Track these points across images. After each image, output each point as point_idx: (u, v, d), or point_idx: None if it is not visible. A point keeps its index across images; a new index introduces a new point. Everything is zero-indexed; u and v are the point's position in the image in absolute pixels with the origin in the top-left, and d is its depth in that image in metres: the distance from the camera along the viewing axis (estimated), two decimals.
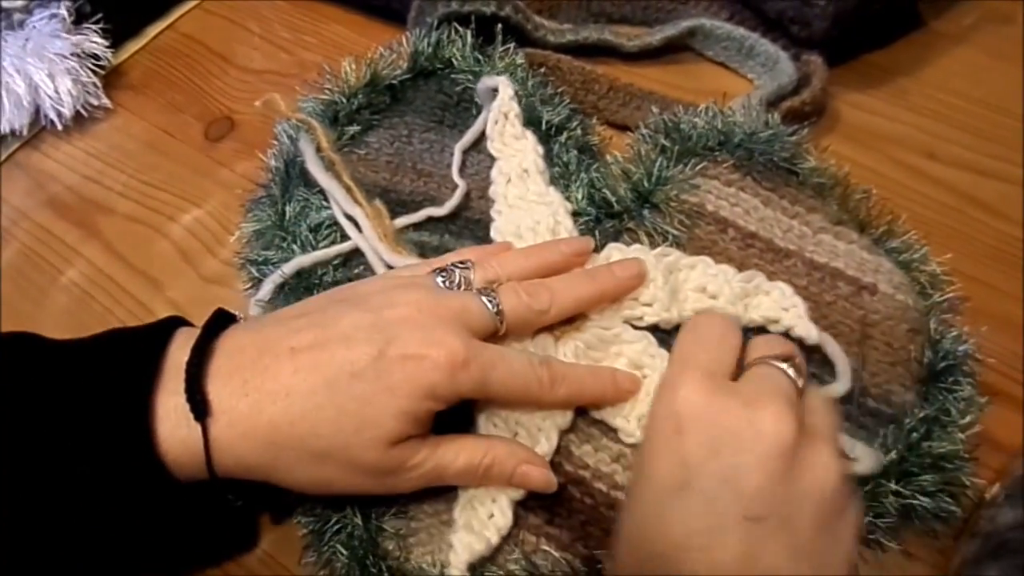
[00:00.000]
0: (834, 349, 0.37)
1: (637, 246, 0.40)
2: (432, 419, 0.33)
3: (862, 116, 0.50)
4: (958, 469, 0.35)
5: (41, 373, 0.32)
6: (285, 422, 0.31)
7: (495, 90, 0.45)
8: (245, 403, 0.31)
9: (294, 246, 0.42)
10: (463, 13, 0.49)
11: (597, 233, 0.42)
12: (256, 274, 0.42)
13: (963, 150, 0.48)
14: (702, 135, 0.43)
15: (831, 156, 0.44)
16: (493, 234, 0.42)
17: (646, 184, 0.42)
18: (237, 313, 0.36)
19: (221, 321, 0.34)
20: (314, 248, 0.42)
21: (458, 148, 0.45)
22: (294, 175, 0.45)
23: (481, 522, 0.34)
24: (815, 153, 0.43)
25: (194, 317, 0.37)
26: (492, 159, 0.45)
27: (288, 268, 0.41)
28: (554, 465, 0.36)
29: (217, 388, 0.31)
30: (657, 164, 0.42)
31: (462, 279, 0.36)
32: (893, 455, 0.35)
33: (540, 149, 0.44)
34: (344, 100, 0.47)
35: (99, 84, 0.53)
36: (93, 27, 0.53)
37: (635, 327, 0.38)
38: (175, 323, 0.34)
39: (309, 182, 0.44)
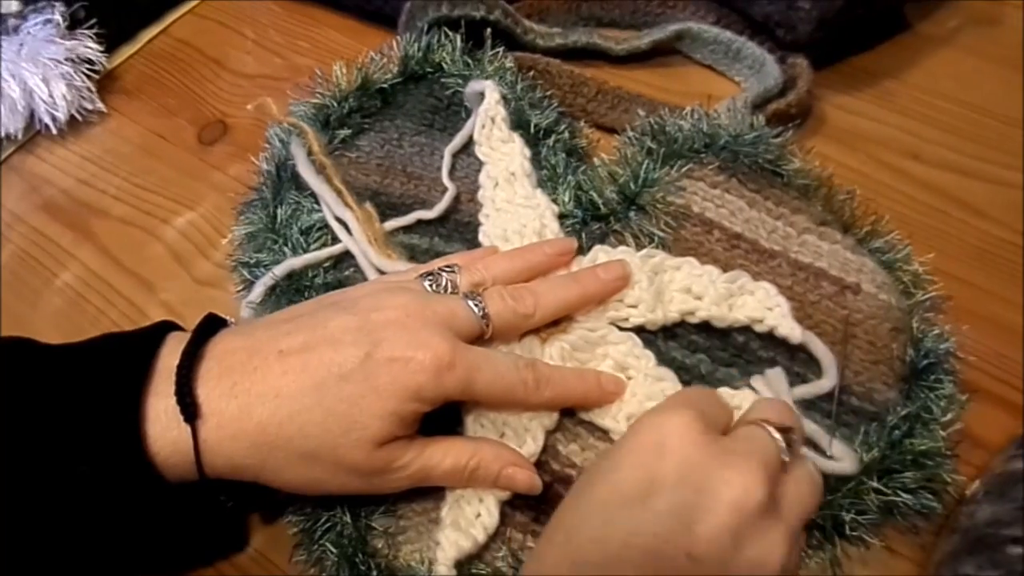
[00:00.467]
0: (818, 347, 0.38)
1: (623, 248, 0.41)
2: (419, 420, 0.33)
3: (847, 118, 0.51)
4: (939, 466, 0.36)
5: (33, 377, 0.32)
6: (273, 423, 0.31)
7: (482, 94, 0.46)
8: (234, 405, 0.31)
9: (285, 248, 0.43)
10: (453, 17, 0.49)
11: (584, 235, 0.42)
12: (248, 276, 0.43)
13: (947, 151, 0.49)
14: (688, 138, 0.44)
15: (816, 158, 0.45)
16: (481, 238, 0.43)
17: (632, 186, 0.43)
18: (229, 318, 0.36)
19: (212, 325, 0.35)
20: (305, 251, 0.43)
21: (448, 151, 0.46)
22: (285, 178, 0.46)
23: (468, 520, 0.34)
24: (799, 155, 0.44)
25: (187, 319, 0.38)
26: (481, 163, 0.45)
27: (279, 270, 0.41)
28: (541, 464, 0.36)
29: (207, 390, 0.32)
30: (643, 166, 0.43)
31: (448, 283, 0.36)
32: (875, 452, 0.36)
33: (527, 152, 0.44)
34: (335, 104, 0.47)
35: (93, 88, 0.53)
36: (87, 32, 0.53)
37: (621, 329, 0.39)
38: (166, 327, 0.35)
39: (300, 185, 0.45)
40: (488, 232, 0.42)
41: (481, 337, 0.35)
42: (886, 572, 0.36)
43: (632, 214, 0.42)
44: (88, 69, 0.53)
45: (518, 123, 0.46)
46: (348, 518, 0.36)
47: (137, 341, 0.34)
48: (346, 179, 0.44)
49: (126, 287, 0.47)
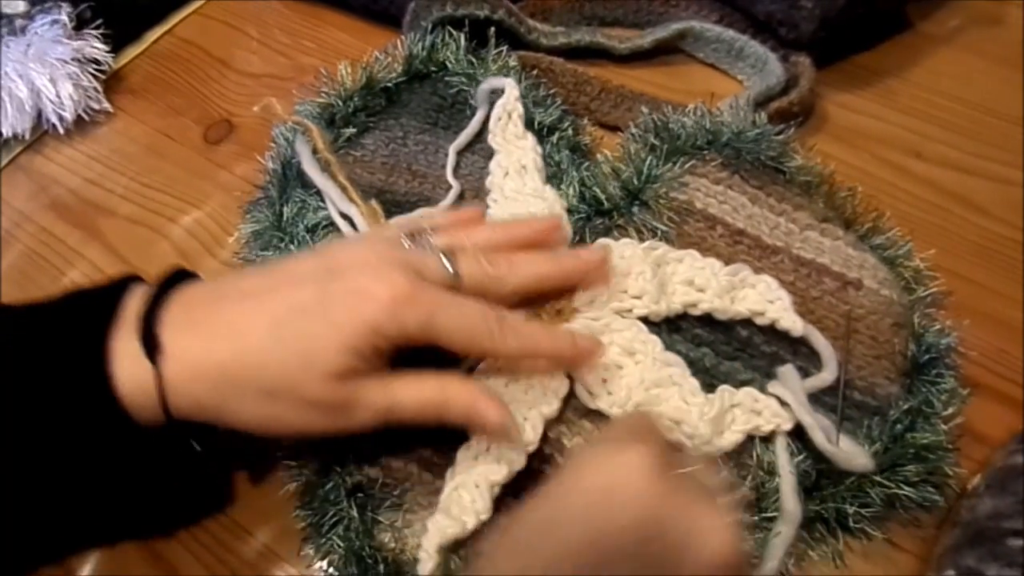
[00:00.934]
0: (818, 340, 0.38)
1: (626, 240, 0.41)
2: (383, 358, 0.33)
3: (849, 116, 0.51)
4: (941, 460, 0.36)
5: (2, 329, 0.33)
6: (233, 360, 0.31)
7: (494, 92, 0.46)
8: (196, 344, 0.32)
9: (291, 246, 0.43)
10: (457, 17, 0.50)
11: (587, 230, 0.43)
12: None
13: (949, 149, 0.49)
14: (691, 134, 0.44)
15: (818, 155, 0.45)
16: None
17: (636, 182, 0.43)
18: (200, 273, 0.37)
19: (179, 276, 0.35)
20: (311, 248, 0.43)
21: (452, 149, 0.46)
22: (291, 177, 0.46)
23: (461, 507, 0.35)
24: (801, 152, 0.44)
25: None
26: (486, 160, 0.46)
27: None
28: (546, 457, 0.37)
29: (170, 331, 0.32)
30: (647, 163, 0.43)
31: (426, 243, 0.36)
32: (878, 446, 0.36)
33: (540, 150, 0.45)
34: (340, 103, 0.48)
35: (100, 89, 0.53)
36: (94, 33, 0.53)
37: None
38: (131, 279, 0.35)
39: (306, 183, 0.45)
40: (495, 218, 0.42)
41: (453, 287, 0.34)
42: (888, 565, 0.36)
43: (635, 209, 0.43)
44: (95, 69, 0.53)
45: (525, 124, 0.46)
46: (355, 512, 0.36)
47: (100, 291, 0.34)
48: (351, 177, 0.44)
49: None
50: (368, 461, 0.38)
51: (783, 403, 0.37)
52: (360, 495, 0.37)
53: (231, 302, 0.33)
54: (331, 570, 0.36)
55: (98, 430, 0.31)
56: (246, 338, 0.32)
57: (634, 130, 0.46)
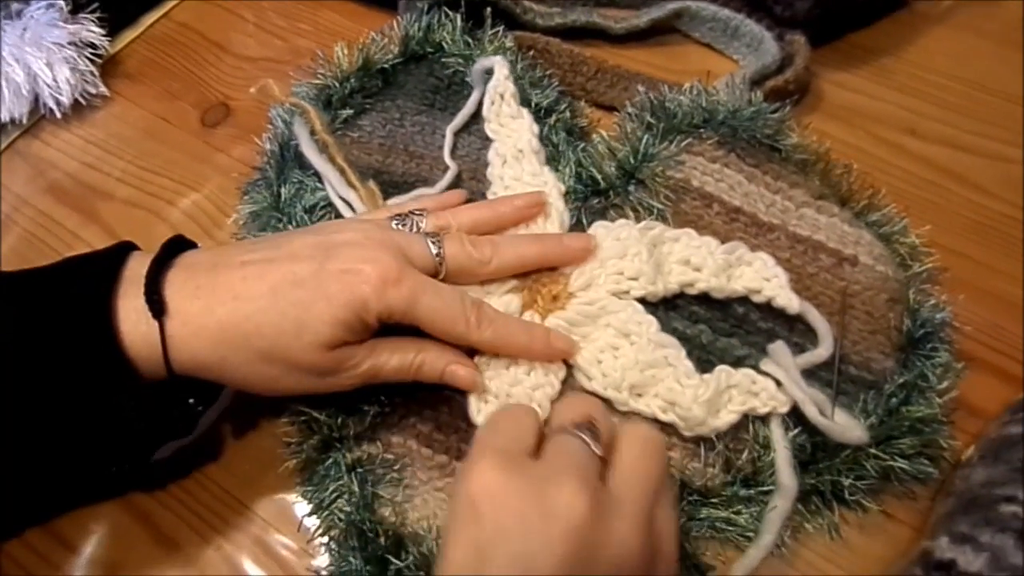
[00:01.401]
0: (814, 316, 0.38)
1: (622, 220, 0.41)
2: (369, 331, 0.35)
3: (845, 94, 0.51)
4: (935, 432, 0.37)
5: (5, 292, 0.34)
6: (232, 323, 0.33)
7: (489, 72, 0.46)
8: (197, 305, 0.34)
9: (290, 227, 0.43)
10: None
11: (584, 210, 0.43)
12: None
13: (944, 127, 0.49)
14: (687, 113, 0.44)
15: (814, 133, 0.45)
16: None
17: (632, 161, 0.43)
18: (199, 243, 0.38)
19: (180, 245, 0.37)
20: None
21: (449, 130, 0.46)
22: (289, 158, 0.46)
23: None
24: (797, 130, 0.44)
25: None
26: (483, 141, 0.46)
27: None
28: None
29: (172, 292, 0.34)
30: (643, 142, 0.43)
31: (415, 224, 0.38)
32: (873, 420, 0.37)
33: (536, 128, 0.45)
34: (337, 84, 0.48)
35: (97, 73, 0.53)
36: (90, 16, 0.53)
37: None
38: (129, 246, 0.37)
39: (304, 165, 0.45)
40: None
41: (436, 276, 0.37)
42: (884, 537, 0.37)
43: (632, 188, 0.43)
44: (91, 53, 0.53)
45: (519, 102, 0.46)
46: (355, 486, 0.37)
47: (102, 256, 0.36)
48: (349, 158, 0.45)
49: None
50: (368, 437, 0.38)
51: (779, 383, 0.37)
52: (360, 470, 0.37)
53: (232, 269, 0.35)
54: (332, 544, 0.37)
55: (105, 382, 0.33)
56: (245, 303, 0.33)
57: (630, 109, 0.46)
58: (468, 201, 0.43)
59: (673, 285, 0.39)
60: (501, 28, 0.49)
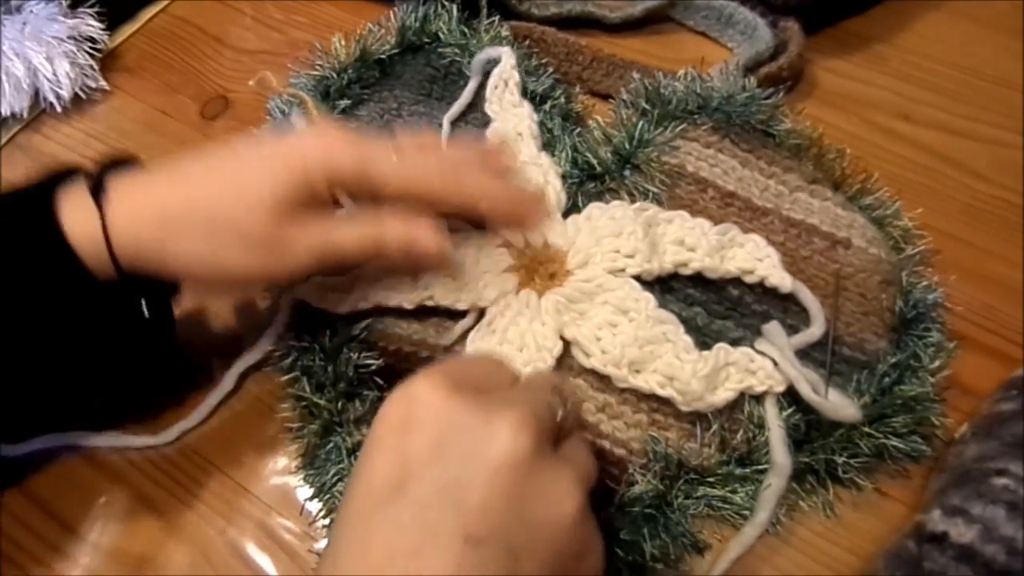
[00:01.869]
0: (806, 295, 0.39)
1: (617, 202, 0.42)
2: (321, 203, 0.34)
3: (838, 81, 0.51)
4: (928, 410, 0.37)
5: None
6: (173, 198, 0.33)
7: (488, 62, 0.47)
8: (138, 189, 0.34)
9: None
10: None
11: (580, 194, 0.43)
12: None
13: (937, 111, 0.50)
14: (681, 99, 0.44)
15: (807, 119, 0.46)
16: None
17: (628, 147, 0.44)
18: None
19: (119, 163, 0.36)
20: None
21: (447, 119, 0.47)
22: None
23: None
24: (791, 115, 0.45)
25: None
26: (479, 130, 0.46)
27: None
28: None
29: (115, 183, 0.33)
30: (639, 127, 0.44)
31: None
32: (866, 399, 0.37)
33: (535, 117, 0.45)
34: (335, 75, 0.48)
35: (96, 67, 0.54)
36: (89, 11, 0.54)
37: None
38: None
39: None
40: None
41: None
42: (878, 514, 0.37)
43: (627, 173, 0.43)
44: (91, 47, 0.53)
45: (522, 93, 0.47)
46: None
47: (48, 173, 0.35)
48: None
49: None
50: (367, 421, 0.39)
51: (776, 363, 0.38)
52: (360, 453, 0.38)
53: (180, 161, 0.35)
54: (333, 525, 0.37)
55: (53, 278, 0.32)
56: (185, 181, 0.34)
57: (626, 96, 0.46)
58: None
59: (668, 264, 0.40)
60: (497, 18, 0.50)
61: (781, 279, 0.39)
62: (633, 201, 0.42)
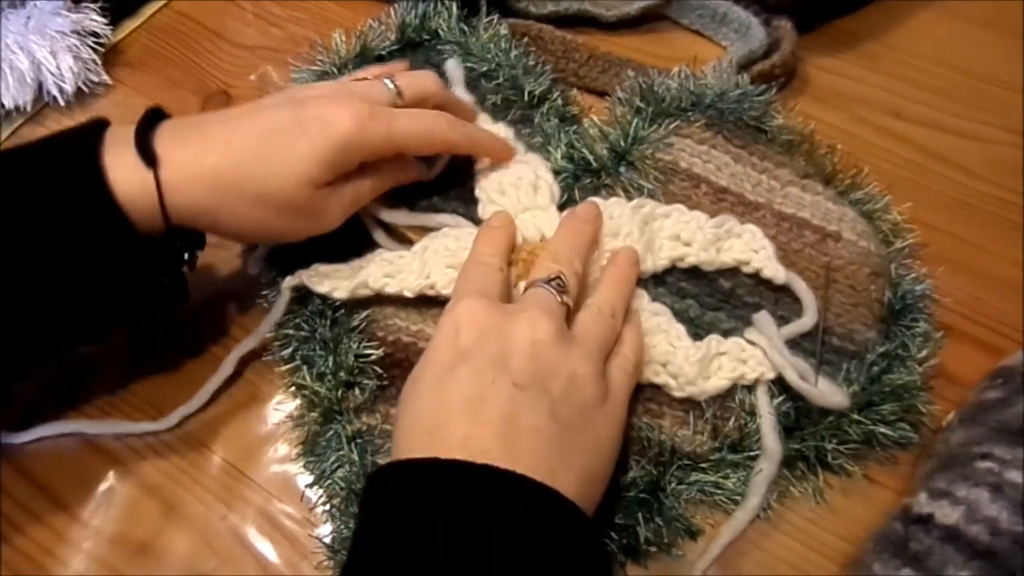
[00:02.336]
0: (800, 286, 0.40)
1: (614, 199, 0.42)
2: (349, 171, 0.38)
3: (831, 78, 0.52)
4: (915, 398, 0.38)
5: None
6: (224, 167, 0.35)
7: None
8: (188, 153, 0.35)
9: None
10: None
11: (576, 189, 0.44)
12: None
13: (927, 109, 0.51)
14: (675, 97, 0.45)
15: (800, 116, 0.47)
16: (478, 192, 0.44)
17: (623, 143, 0.44)
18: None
19: (161, 113, 0.38)
20: None
21: None
22: None
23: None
24: (782, 112, 0.46)
25: (198, 280, 0.40)
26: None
27: None
28: None
29: (162, 144, 0.35)
30: (633, 124, 0.45)
31: (370, 77, 0.42)
32: (856, 387, 0.38)
33: (510, 132, 0.46)
34: (335, 71, 0.49)
35: (99, 61, 0.54)
36: (92, 6, 0.54)
37: None
38: (105, 120, 0.37)
39: None
40: (485, 187, 0.44)
41: (397, 103, 0.40)
42: (867, 500, 0.38)
43: (623, 169, 0.44)
44: (94, 42, 0.54)
45: (513, 90, 0.48)
46: (356, 456, 0.38)
47: (84, 125, 0.37)
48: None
49: None
50: (367, 409, 0.40)
51: (765, 352, 0.38)
52: (360, 441, 0.39)
53: (217, 123, 0.37)
54: (334, 512, 0.38)
55: (102, 234, 0.34)
56: (236, 149, 0.36)
57: (621, 94, 0.47)
58: (472, 190, 0.45)
59: (664, 261, 0.41)
60: (496, 16, 0.51)
61: (775, 271, 0.39)
62: (629, 198, 0.43)
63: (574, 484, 0.30)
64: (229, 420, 0.42)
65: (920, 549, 0.30)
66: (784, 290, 0.40)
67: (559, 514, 0.29)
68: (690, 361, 0.37)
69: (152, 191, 0.34)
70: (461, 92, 0.47)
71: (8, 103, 0.52)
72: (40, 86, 0.53)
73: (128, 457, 0.41)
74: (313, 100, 0.37)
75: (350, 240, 0.42)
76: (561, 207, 0.43)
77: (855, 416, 0.37)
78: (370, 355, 0.40)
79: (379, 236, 0.43)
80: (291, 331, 0.41)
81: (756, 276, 0.40)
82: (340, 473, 0.38)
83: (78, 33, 0.53)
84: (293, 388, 0.41)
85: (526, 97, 0.47)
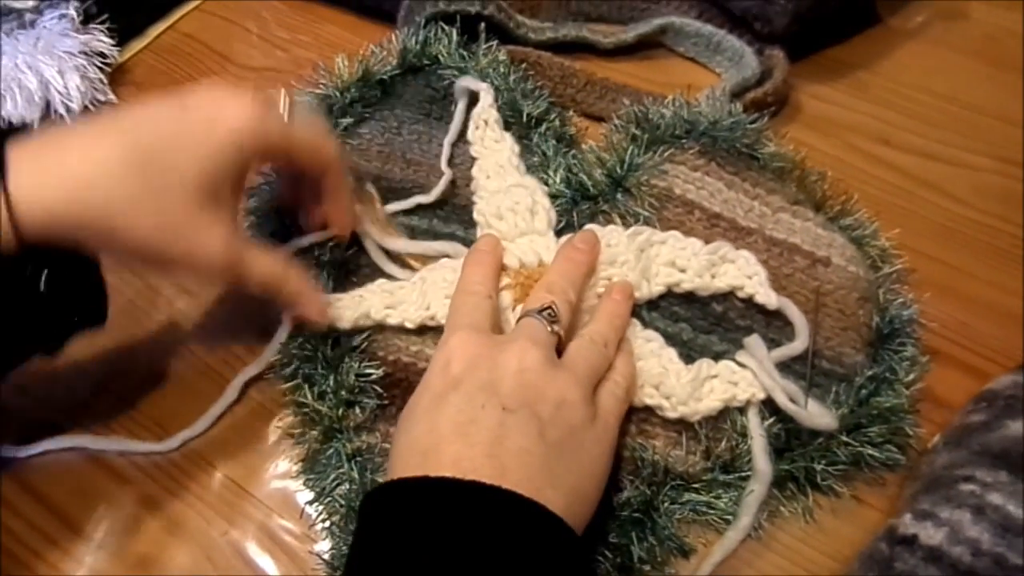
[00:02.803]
0: (792, 311, 0.41)
1: (612, 226, 0.43)
2: (235, 187, 0.36)
3: (822, 106, 0.54)
4: (902, 421, 0.39)
5: None
6: (88, 169, 0.31)
7: (475, 93, 0.48)
8: (48, 156, 0.31)
9: (292, 228, 0.45)
10: (449, 12, 0.52)
11: (575, 214, 0.45)
12: None
13: (915, 137, 0.52)
14: (669, 124, 0.46)
15: (791, 143, 0.48)
16: (476, 216, 0.45)
17: (619, 170, 0.45)
18: None
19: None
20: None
21: (447, 143, 0.48)
22: None
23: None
24: (774, 139, 0.47)
25: (200, 295, 0.41)
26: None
27: (287, 248, 0.44)
28: None
29: (16, 153, 0.31)
30: (629, 151, 0.46)
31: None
32: (844, 409, 0.39)
33: (516, 148, 0.47)
34: (338, 94, 0.50)
35: (105, 81, 0.55)
36: (100, 27, 0.55)
37: None
38: None
39: None
40: (483, 210, 0.45)
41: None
42: (855, 520, 0.39)
43: (619, 195, 0.45)
44: (101, 62, 0.55)
45: (511, 111, 0.49)
46: (356, 474, 0.39)
47: None
48: (349, 164, 0.47)
49: None
50: (367, 428, 0.41)
51: (755, 375, 0.39)
52: (360, 459, 0.39)
53: (80, 130, 0.33)
54: (333, 529, 0.38)
55: None
56: (100, 164, 0.31)
57: (617, 121, 0.48)
58: (472, 213, 0.46)
59: (660, 287, 0.42)
60: (495, 42, 0.52)
61: (768, 296, 0.40)
62: (626, 224, 0.44)
63: (562, 501, 0.31)
64: (231, 437, 0.42)
65: (905, 569, 0.31)
66: (775, 314, 0.41)
67: (545, 527, 0.30)
68: (682, 383, 0.38)
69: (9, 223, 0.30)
70: (492, 116, 0.48)
71: (16, 121, 0.53)
72: (48, 104, 0.54)
73: (131, 473, 0.42)
74: (196, 94, 0.34)
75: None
76: (559, 232, 0.44)
77: (844, 438, 0.38)
78: (370, 375, 0.41)
79: (380, 259, 0.44)
80: (294, 350, 0.42)
81: (748, 300, 0.41)
82: (340, 491, 0.39)
83: (85, 53, 0.54)
84: (294, 406, 0.42)
85: (524, 119, 0.49)
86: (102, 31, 0.55)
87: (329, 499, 0.39)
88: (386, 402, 0.41)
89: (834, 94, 0.54)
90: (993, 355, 0.43)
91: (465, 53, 0.51)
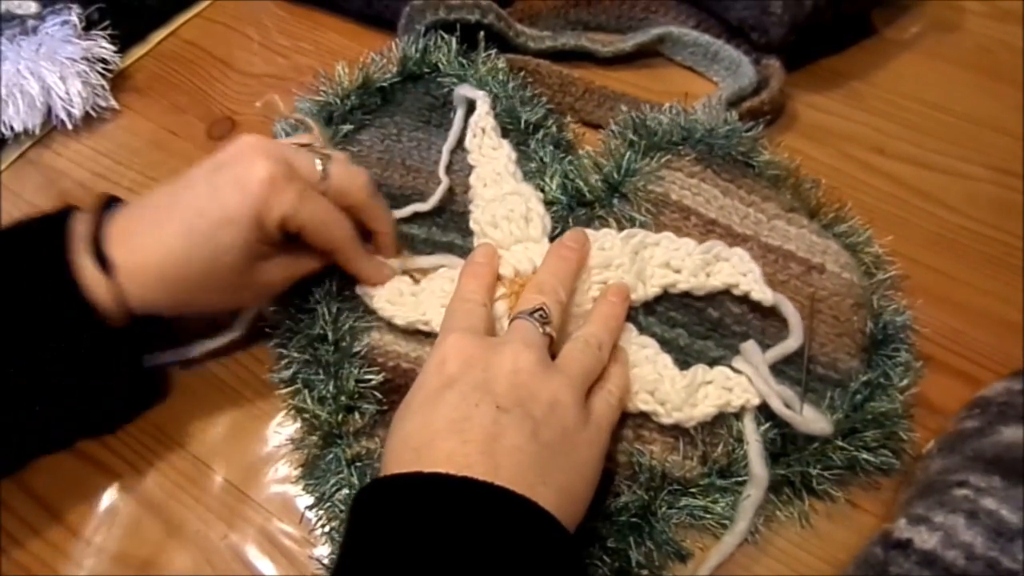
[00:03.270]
0: (787, 308, 0.41)
1: (606, 230, 0.44)
2: (276, 240, 0.39)
3: (817, 115, 0.54)
4: (896, 426, 0.39)
5: None
6: (168, 266, 0.38)
7: (472, 102, 0.49)
8: (135, 259, 0.37)
9: None
10: (449, 21, 0.53)
11: (571, 220, 0.45)
12: None
13: (909, 146, 0.53)
14: (667, 131, 0.47)
15: (788, 151, 0.48)
16: (472, 225, 0.46)
17: (616, 176, 0.46)
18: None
19: (111, 201, 0.40)
20: None
21: (446, 150, 0.49)
22: None
23: None
24: (769, 147, 0.47)
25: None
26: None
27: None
28: None
29: (113, 249, 0.37)
30: (626, 157, 0.46)
31: (307, 146, 0.42)
32: (839, 414, 0.39)
33: (514, 155, 0.47)
34: (338, 101, 0.50)
35: (107, 87, 0.56)
36: (102, 33, 0.56)
37: None
38: (69, 209, 0.40)
39: None
40: (478, 219, 0.45)
41: (319, 187, 0.40)
42: (850, 525, 0.39)
43: (615, 201, 0.46)
44: (102, 68, 0.55)
45: (509, 118, 0.49)
46: (355, 479, 0.39)
47: (48, 218, 0.39)
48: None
49: None
50: (367, 434, 0.41)
51: (751, 380, 0.40)
52: (359, 464, 0.40)
53: (148, 215, 0.39)
54: (333, 534, 0.39)
55: (77, 332, 0.37)
56: (169, 252, 0.37)
57: (614, 127, 0.49)
58: (462, 214, 0.46)
59: (655, 289, 0.42)
60: (494, 51, 0.52)
61: (763, 292, 0.41)
62: (622, 229, 0.44)
63: (554, 498, 0.32)
64: (230, 440, 0.43)
65: (899, 573, 0.32)
66: (771, 319, 0.42)
67: (538, 523, 0.31)
68: (676, 389, 0.39)
69: (115, 292, 0.37)
70: (489, 123, 0.48)
71: (18, 126, 0.54)
72: (49, 110, 0.54)
73: (130, 475, 0.42)
74: (227, 162, 0.38)
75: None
76: (554, 238, 0.44)
77: (839, 443, 0.39)
78: (370, 380, 0.41)
79: None
80: (294, 353, 0.42)
81: (743, 306, 0.42)
82: (340, 496, 0.39)
83: (87, 59, 0.55)
84: (294, 411, 0.42)
85: (522, 125, 0.49)
86: (104, 37, 0.56)
87: (329, 504, 0.39)
88: (386, 408, 0.41)
89: (829, 103, 0.55)
90: (986, 362, 0.44)
91: (465, 61, 0.52)
